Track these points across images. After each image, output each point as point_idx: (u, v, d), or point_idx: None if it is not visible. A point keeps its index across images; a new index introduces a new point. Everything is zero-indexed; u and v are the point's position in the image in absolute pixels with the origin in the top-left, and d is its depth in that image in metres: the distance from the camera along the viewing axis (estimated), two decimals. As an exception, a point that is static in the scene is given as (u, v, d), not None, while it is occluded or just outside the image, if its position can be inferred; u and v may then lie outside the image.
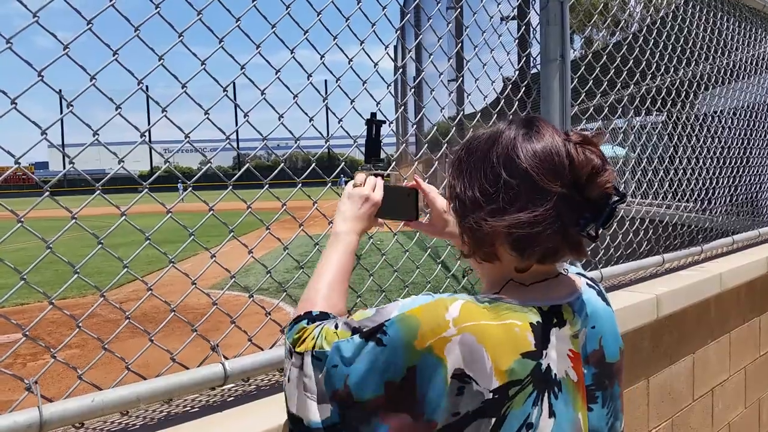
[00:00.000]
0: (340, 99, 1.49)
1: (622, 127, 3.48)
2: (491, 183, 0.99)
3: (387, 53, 1.88)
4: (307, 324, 1.08)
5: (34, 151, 1.25)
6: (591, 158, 0.97)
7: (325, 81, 2.09)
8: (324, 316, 1.11)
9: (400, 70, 1.99)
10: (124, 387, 1.26)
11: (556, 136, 1.00)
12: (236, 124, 1.75)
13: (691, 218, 3.32)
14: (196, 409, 1.41)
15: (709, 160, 3.52)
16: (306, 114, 1.70)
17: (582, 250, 1.00)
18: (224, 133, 1.54)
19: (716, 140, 3.62)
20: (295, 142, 1.75)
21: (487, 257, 1.04)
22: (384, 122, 1.49)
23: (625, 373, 1.19)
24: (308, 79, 1.70)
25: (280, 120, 1.63)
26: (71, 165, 1.26)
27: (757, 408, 3.41)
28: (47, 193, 1.20)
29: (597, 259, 2.54)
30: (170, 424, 1.32)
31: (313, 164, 1.74)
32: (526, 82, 2.30)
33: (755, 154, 4.09)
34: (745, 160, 3.92)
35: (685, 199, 3.31)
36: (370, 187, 1.37)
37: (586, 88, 2.52)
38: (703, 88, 3.50)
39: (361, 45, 1.78)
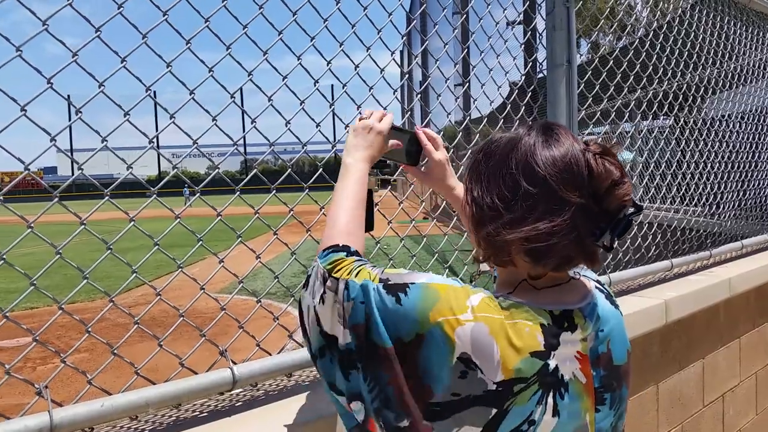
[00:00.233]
0: (346, 104, 1.50)
1: (629, 132, 3.47)
2: (510, 190, 0.99)
3: (393, 59, 1.89)
4: (346, 256, 1.11)
5: (42, 155, 1.26)
6: (611, 170, 0.97)
7: (332, 86, 2.11)
8: (357, 253, 1.14)
9: (407, 75, 2.00)
10: (134, 392, 1.26)
11: (575, 145, 1.00)
12: (243, 129, 1.75)
13: (700, 223, 3.31)
14: (205, 414, 1.41)
15: (718, 164, 3.51)
16: (313, 120, 1.70)
17: (596, 260, 1.01)
18: (232, 139, 1.55)
19: (724, 144, 3.60)
20: (302, 148, 1.76)
21: (502, 264, 1.05)
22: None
23: (634, 379, 1.19)
24: (315, 85, 1.70)
25: (287, 126, 1.64)
26: (80, 171, 1.27)
27: None
28: (56, 199, 1.21)
29: (606, 264, 2.53)
30: (179, 429, 1.33)
31: (320, 170, 1.75)
32: (532, 87, 2.31)
33: (764, 158, 4.07)
34: (753, 164, 3.90)
35: (694, 203, 3.30)
36: (376, 118, 1.37)
37: (593, 92, 2.51)
38: (710, 92, 3.49)
39: (367, 51, 1.79)
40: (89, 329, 1.29)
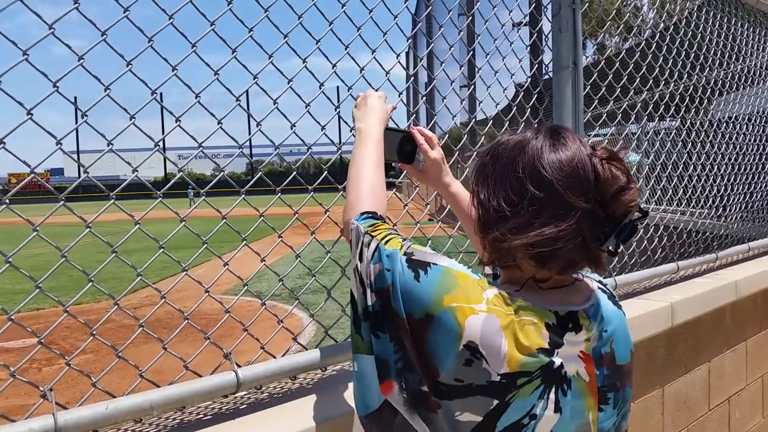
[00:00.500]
0: (351, 106, 1.50)
1: (635, 134, 3.46)
2: (516, 193, 0.99)
3: (399, 61, 1.89)
4: (382, 222, 1.16)
5: (49, 157, 1.26)
6: (617, 175, 0.98)
7: (337, 88, 2.11)
8: (384, 220, 1.20)
9: (412, 77, 1.99)
10: (138, 394, 1.27)
11: (582, 149, 1.00)
12: (249, 131, 1.76)
13: (706, 225, 3.29)
14: (209, 417, 1.41)
15: (724, 166, 3.49)
16: (318, 123, 1.70)
17: (601, 264, 1.01)
18: (237, 142, 1.55)
19: (731, 146, 3.58)
20: (308, 150, 1.76)
21: (507, 267, 1.05)
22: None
23: (639, 381, 1.20)
24: (320, 88, 1.71)
25: (292, 129, 1.64)
26: (86, 174, 1.27)
27: (774, 417, 3.37)
28: (62, 202, 1.22)
29: (611, 266, 2.53)
30: (183, 431, 1.33)
31: (325, 172, 1.75)
32: (538, 89, 2.30)
33: (771, 159, 4.05)
34: (760, 166, 3.88)
35: (700, 205, 3.29)
36: (370, 91, 1.46)
37: (599, 94, 2.51)
38: (717, 93, 3.48)
39: (372, 53, 1.78)
40: (94, 332, 1.30)
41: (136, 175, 1.35)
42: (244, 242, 1.55)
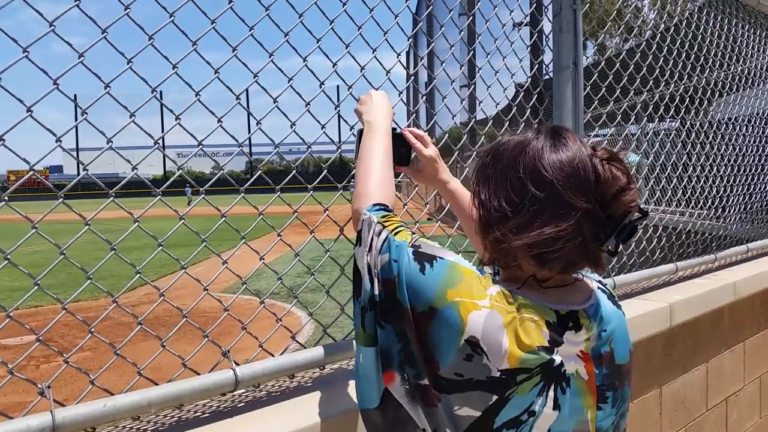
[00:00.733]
0: (352, 106, 1.50)
1: (635, 134, 3.46)
2: (517, 193, 1.00)
3: (399, 61, 1.88)
4: (393, 214, 1.18)
5: (49, 154, 1.26)
6: (617, 176, 0.98)
7: (337, 87, 2.11)
8: (393, 212, 1.21)
9: (412, 77, 1.99)
10: (136, 392, 1.27)
11: (583, 150, 1.00)
12: (249, 129, 1.76)
13: (705, 226, 3.29)
14: (207, 415, 1.41)
15: (724, 167, 3.49)
16: (318, 121, 1.70)
17: (600, 264, 1.02)
18: (237, 141, 1.55)
19: (731, 147, 3.59)
20: (307, 149, 1.76)
21: (508, 266, 1.06)
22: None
23: (638, 381, 1.20)
24: (320, 87, 1.70)
25: (292, 127, 1.64)
26: (85, 172, 1.27)
27: (772, 418, 3.37)
28: (61, 200, 1.22)
29: (610, 266, 2.53)
30: (181, 429, 1.33)
31: (325, 171, 1.75)
32: (538, 89, 2.30)
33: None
34: (760, 168, 3.89)
35: (699, 206, 3.29)
36: (372, 90, 1.48)
37: (599, 95, 2.51)
38: (717, 94, 3.48)
39: (373, 52, 1.78)
40: (92, 329, 1.30)
41: (135, 173, 1.35)
42: (243, 240, 1.55)
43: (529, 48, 2.35)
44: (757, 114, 3.93)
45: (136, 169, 1.32)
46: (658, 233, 2.92)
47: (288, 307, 1.82)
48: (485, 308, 0.94)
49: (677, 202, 3.16)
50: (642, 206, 1.01)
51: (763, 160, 3.92)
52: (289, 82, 1.66)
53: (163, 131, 1.62)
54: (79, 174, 1.30)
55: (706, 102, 3.34)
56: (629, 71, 2.65)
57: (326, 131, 1.73)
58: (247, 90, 1.63)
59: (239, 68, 1.57)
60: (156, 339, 1.41)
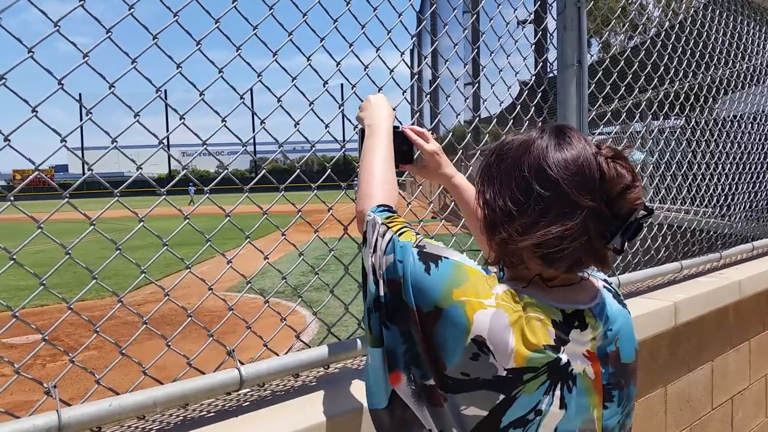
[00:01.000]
0: (356, 104, 1.50)
1: (640, 132, 3.44)
2: (522, 193, 1.00)
3: (403, 60, 1.88)
4: (397, 215, 1.18)
5: (54, 154, 1.27)
6: (622, 173, 0.98)
7: (341, 85, 2.12)
8: (397, 213, 1.21)
9: (416, 75, 1.99)
10: (141, 392, 1.27)
11: (587, 148, 1.00)
12: (253, 128, 1.76)
13: (710, 224, 3.28)
14: (212, 414, 1.42)
15: (729, 164, 3.48)
16: (322, 120, 1.70)
17: (607, 262, 1.02)
18: (241, 140, 1.55)
19: (736, 145, 3.57)
20: (311, 148, 1.76)
21: (514, 265, 1.05)
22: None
23: (642, 380, 1.20)
24: (324, 86, 1.70)
25: (296, 126, 1.64)
26: (90, 171, 1.28)
27: (777, 417, 3.36)
28: (66, 199, 1.22)
29: (615, 265, 2.52)
30: (186, 428, 1.34)
31: (329, 170, 1.75)
32: (543, 87, 2.30)
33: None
34: (765, 166, 3.87)
35: (704, 204, 3.28)
36: (372, 95, 1.48)
37: (604, 92, 2.50)
38: (722, 92, 3.46)
39: (377, 51, 1.78)
40: (97, 329, 1.30)
41: (140, 172, 1.35)
42: (248, 240, 1.55)
43: (533, 46, 2.35)
44: (763, 111, 3.91)
45: (141, 168, 1.33)
46: (663, 231, 2.92)
47: (293, 306, 1.82)
48: (491, 307, 0.94)
49: (682, 200, 3.16)
50: (647, 204, 1.01)
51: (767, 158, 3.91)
52: (293, 81, 1.66)
53: (167, 130, 1.62)
54: (84, 173, 1.30)
55: (711, 100, 3.33)
56: (634, 69, 2.64)
57: (330, 130, 1.73)
58: (251, 89, 1.64)
59: (243, 67, 1.58)
60: (161, 338, 1.42)
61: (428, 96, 2.07)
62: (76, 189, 1.29)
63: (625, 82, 2.59)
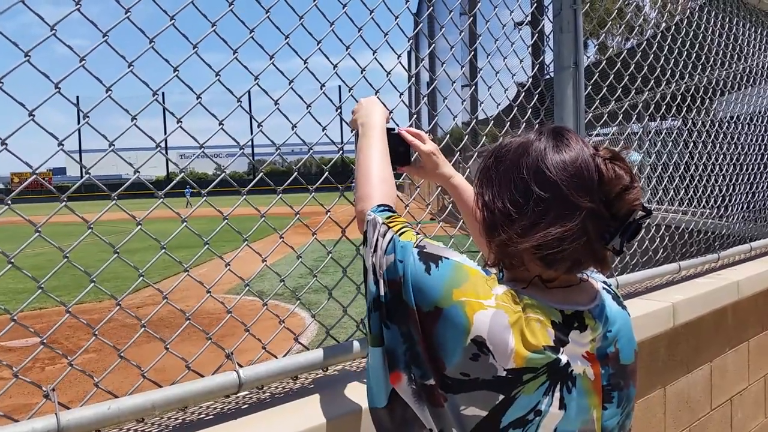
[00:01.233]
0: (352, 106, 1.51)
1: (637, 133, 3.45)
2: (521, 194, 1.00)
3: (400, 62, 1.89)
4: (398, 215, 1.18)
5: (52, 157, 1.27)
6: (621, 175, 0.99)
7: (339, 88, 2.12)
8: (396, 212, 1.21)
9: (413, 77, 2.00)
10: (140, 395, 1.27)
11: (585, 150, 1.01)
12: (251, 131, 1.76)
13: (708, 225, 3.29)
14: (211, 417, 1.42)
15: (726, 165, 3.49)
16: (319, 123, 1.71)
17: (607, 263, 1.03)
18: (238, 143, 1.55)
19: (733, 146, 3.58)
20: (309, 150, 1.76)
21: (514, 267, 1.06)
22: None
23: (641, 381, 1.20)
24: (321, 88, 1.71)
25: (293, 129, 1.64)
26: (87, 175, 1.28)
27: (776, 417, 3.36)
28: (63, 203, 1.22)
29: (613, 266, 2.53)
30: (185, 431, 1.34)
31: (326, 173, 1.75)
32: (539, 89, 2.30)
33: (773, 159, 4.04)
34: (762, 166, 3.88)
35: (702, 205, 3.28)
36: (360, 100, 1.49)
37: (600, 94, 2.51)
38: (719, 93, 3.47)
39: (373, 54, 1.79)
40: (96, 332, 1.30)
41: (137, 175, 1.35)
42: (246, 242, 1.55)
43: (529, 48, 2.36)
44: (759, 112, 3.92)
45: (138, 171, 1.33)
46: (660, 232, 2.92)
47: (291, 308, 1.82)
48: (491, 308, 0.95)
49: (680, 201, 3.16)
50: (645, 205, 1.01)
51: (765, 159, 3.92)
52: (290, 83, 1.67)
53: (165, 133, 1.62)
54: (82, 176, 1.30)
55: (707, 101, 3.34)
56: (630, 70, 2.65)
57: (327, 132, 1.73)
58: (249, 92, 1.64)
59: (240, 70, 1.58)
60: (160, 341, 1.42)
61: (425, 98, 2.08)
62: (73, 192, 1.29)
63: (622, 84, 2.60)
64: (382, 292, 1.04)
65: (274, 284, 9.56)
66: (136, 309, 8.55)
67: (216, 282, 1.53)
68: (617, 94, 2.56)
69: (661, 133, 3.08)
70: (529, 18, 2.38)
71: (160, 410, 1.30)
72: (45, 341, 1.22)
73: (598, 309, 1.05)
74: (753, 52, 3.74)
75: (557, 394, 0.96)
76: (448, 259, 1.02)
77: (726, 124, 3.61)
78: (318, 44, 1.67)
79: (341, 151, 1.81)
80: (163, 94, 1.56)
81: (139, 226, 1.36)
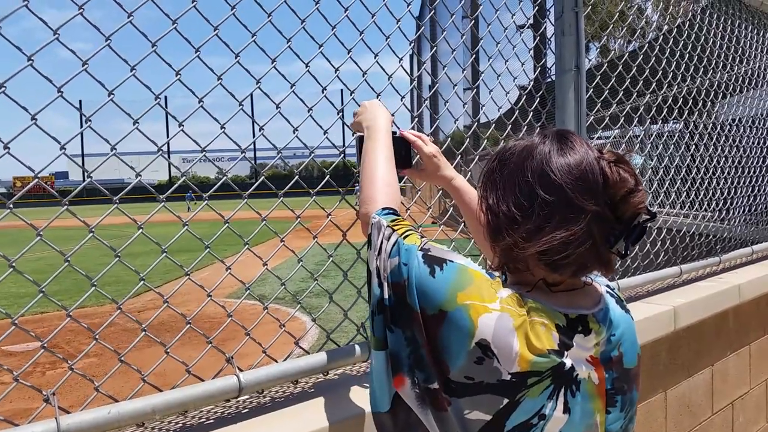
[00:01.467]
0: (354, 109, 1.51)
1: (638, 136, 3.45)
2: (526, 198, 1.00)
3: (401, 65, 1.89)
4: (402, 219, 1.18)
5: (54, 161, 1.27)
6: (625, 178, 0.98)
7: (341, 91, 2.12)
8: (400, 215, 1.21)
9: (415, 81, 2.00)
10: (140, 399, 1.27)
11: (590, 153, 1.00)
12: (253, 134, 1.76)
13: (710, 228, 3.28)
14: (211, 421, 1.41)
15: (728, 168, 3.48)
16: (320, 126, 1.71)
17: (612, 267, 1.02)
18: (240, 147, 1.55)
19: (735, 149, 3.58)
20: (310, 154, 1.76)
21: (519, 271, 1.05)
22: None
23: (643, 385, 1.20)
24: (323, 92, 1.71)
25: (294, 133, 1.64)
26: (89, 179, 1.28)
27: (779, 421, 3.35)
28: (65, 207, 1.22)
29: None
30: (185, 435, 1.33)
31: (327, 176, 1.75)
32: (541, 92, 2.30)
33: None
34: (764, 169, 3.87)
35: (703, 208, 3.28)
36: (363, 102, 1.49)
37: (602, 97, 2.50)
38: (721, 96, 3.47)
39: (375, 57, 1.79)
40: (97, 336, 1.30)
41: (139, 179, 1.35)
42: (247, 246, 1.55)
43: (531, 51, 2.36)
44: (761, 115, 3.92)
45: (140, 175, 1.33)
46: (662, 236, 2.92)
47: (292, 312, 1.82)
48: (496, 311, 0.94)
49: (681, 204, 3.16)
50: (649, 208, 1.01)
51: (767, 162, 3.91)
52: (291, 87, 1.67)
53: (167, 137, 1.62)
54: (84, 180, 1.30)
55: (709, 103, 3.34)
56: (632, 73, 2.64)
57: (329, 136, 1.73)
58: (251, 95, 1.64)
59: (242, 74, 1.58)
60: (160, 345, 1.41)
61: (427, 101, 2.08)
62: (75, 196, 1.29)
63: (624, 87, 2.60)
64: (386, 295, 1.04)
65: (275, 288, 9.52)
66: (137, 313, 8.54)
67: (217, 286, 1.52)
68: (619, 97, 2.55)
69: (663, 136, 3.07)
70: (530, 21, 2.38)
71: (161, 414, 1.30)
72: (46, 345, 1.21)
73: (602, 313, 1.05)
74: (755, 54, 3.73)
75: (561, 398, 0.95)
76: (452, 262, 1.01)
77: (728, 127, 3.61)
78: (320, 47, 1.67)
79: (343, 155, 1.81)
80: (165, 97, 1.56)
81: (141, 230, 1.36)
